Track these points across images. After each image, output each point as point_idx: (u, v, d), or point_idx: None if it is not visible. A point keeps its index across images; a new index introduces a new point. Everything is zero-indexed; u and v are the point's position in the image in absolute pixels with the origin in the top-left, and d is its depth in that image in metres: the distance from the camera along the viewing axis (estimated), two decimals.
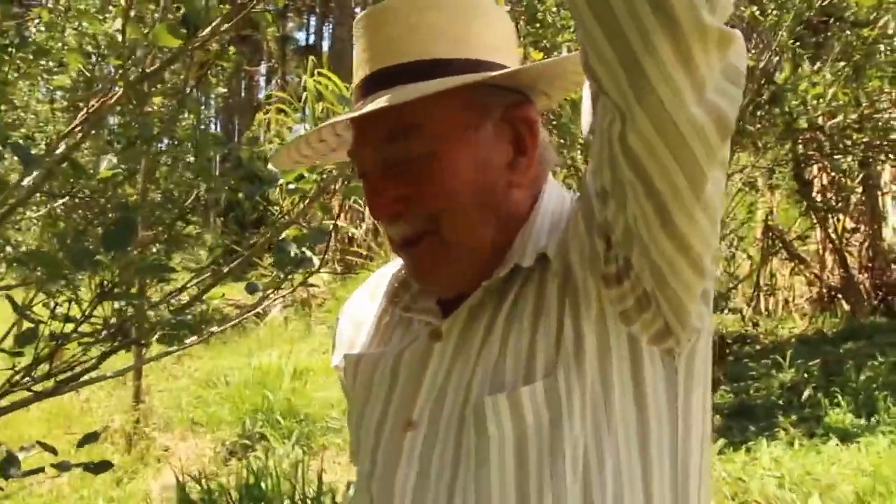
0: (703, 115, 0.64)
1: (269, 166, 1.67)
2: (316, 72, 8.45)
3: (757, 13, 4.79)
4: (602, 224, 0.80)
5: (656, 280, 0.77)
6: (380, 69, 0.88)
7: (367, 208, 0.95)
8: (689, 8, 0.58)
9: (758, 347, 6.39)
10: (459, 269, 0.89)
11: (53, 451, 1.73)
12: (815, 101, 5.04)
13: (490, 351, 0.86)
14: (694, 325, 0.82)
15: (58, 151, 1.78)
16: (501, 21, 0.93)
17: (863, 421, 4.45)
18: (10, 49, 2.01)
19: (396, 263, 1.06)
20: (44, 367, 1.29)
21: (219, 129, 29.94)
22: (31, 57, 2.40)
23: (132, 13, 1.44)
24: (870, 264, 6.67)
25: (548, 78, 0.93)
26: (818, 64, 5.36)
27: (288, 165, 1.05)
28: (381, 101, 0.83)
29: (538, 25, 4.43)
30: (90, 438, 1.79)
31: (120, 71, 1.40)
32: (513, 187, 0.90)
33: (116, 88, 1.64)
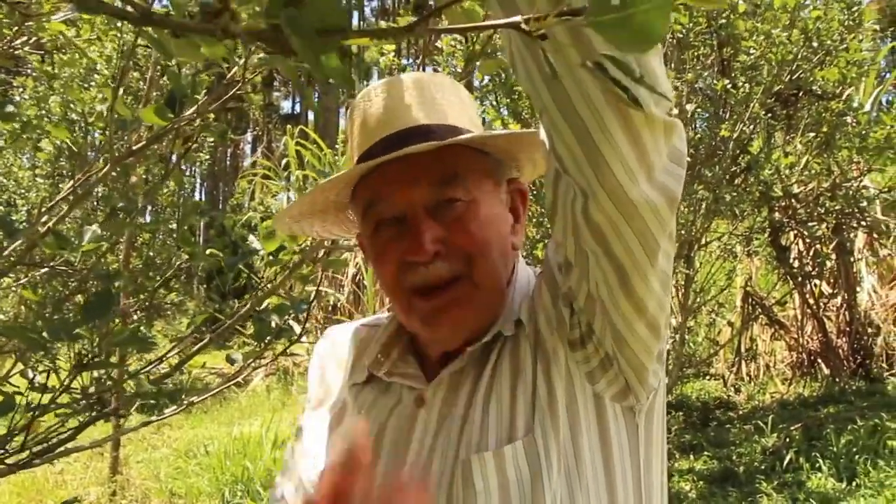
0: (654, 192, 0.71)
1: (250, 237, 1.70)
2: (297, 139, 8.55)
3: (728, 86, 4.94)
4: (566, 293, 0.87)
5: (616, 341, 0.84)
6: (410, 128, 0.95)
7: (387, 256, 0.96)
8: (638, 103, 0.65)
9: (740, 412, 6.39)
10: (480, 315, 0.95)
11: None
12: (788, 171, 5.18)
13: (475, 414, 0.92)
14: (651, 383, 0.89)
15: (42, 220, 1.81)
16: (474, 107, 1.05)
17: (844, 485, 4.44)
18: None
19: (346, 327, 1.15)
20: (19, 439, 1.30)
21: (203, 195, 30.06)
22: (17, 128, 2.44)
23: (121, 90, 1.49)
24: (847, 329, 6.73)
25: (527, 148, 1.02)
26: (791, 134, 5.52)
27: (285, 226, 1.08)
28: (431, 145, 0.89)
29: (516, 97, 4.55)
30: None
31: (106, 146, 1.44)
32: (514, 249, 1.00)
33: (101, 160, 1.69)
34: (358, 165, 0.94)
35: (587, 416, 0.89)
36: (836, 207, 5.55)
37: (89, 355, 1.16)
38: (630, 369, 0.86)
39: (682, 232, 4.84)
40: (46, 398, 1.37)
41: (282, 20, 0.42)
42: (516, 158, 1.03)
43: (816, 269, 6.32)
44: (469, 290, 0.93)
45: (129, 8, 0.47)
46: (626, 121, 0.66)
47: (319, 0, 0.42)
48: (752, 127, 5.10)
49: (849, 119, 5.09)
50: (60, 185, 6.11)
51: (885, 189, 5.58)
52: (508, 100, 4.51)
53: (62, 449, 1.62)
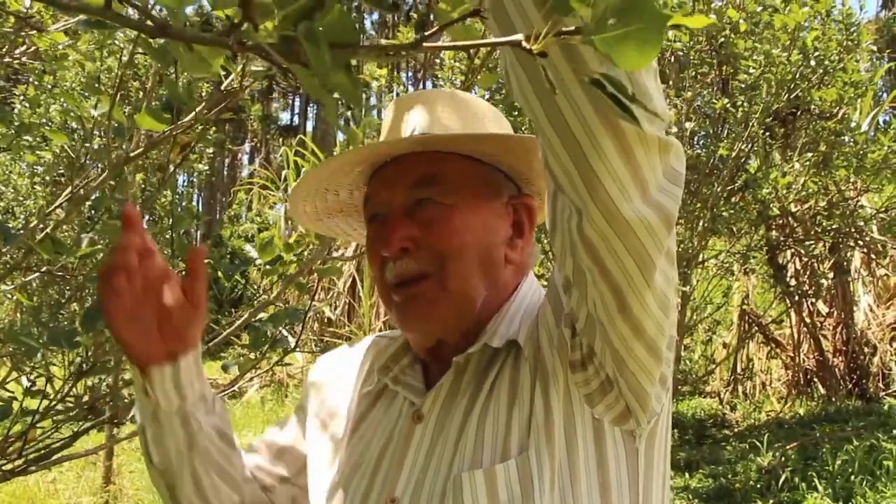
0: (650, 210, 0.71)
1: (246, 247, 1.70)
2: (294, 149, 8.53)
3: (728, 105, 4.97)
4: (569, 314, 0.87)
5: (616, 363, 0.83)
6: (424, 134, 1.00)
7: (372, 252, 1.00)
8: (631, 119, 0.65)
9: (736, 431, 6.38)
10: (448, 315, 0.96)
11: None
12: (785, 190, 5.19)
13: (469, 431, 0.92)
14: (653, 407, 0.88)
15: (40, 227, 1.81)
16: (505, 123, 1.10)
17: None
18: None
19: (368, 340, 1.15)
20: (16, 446, 1.29)
21: (201, 205, 30.08)
22: (14, 132, 2.44)
23: (118, 96, 1.50)
24: (844, 348, 6.74)
25: (524, 160, 1.02)
26: (788, 153, 5.54)
27: (299, 214, 1.11)
28: (417, 142, 0.95)
29: (517, 114, 4.57)
30: None
31: (103, 152, 1.44)
32: (507, 262, 0.99)
33: (98, 168, 1.69)
34: (360, 147, 0.99)
35: (585, 438, 0.89)
36: (833, 226, 5.57)
37: (86, 362, 1.16)
38: (630, 392, 0.86)
39: (680, 249, 4.85)
40: (43, 405, 1.36)
41: (300, 32, 0.43)
42: (520, 171, 1.03)
43: (813, 288, 6.32)
44: (434, 289, 0.94)
45: (148, 21, 0.48)
46: (618, 138, 0.66)
47: (333, 15, 0.44)
48: (750, 146, 5.12)
49: (846, 139, 5.11)
50: (59, 193, 6.09)
51: (882, 209, 5.61)
52: (510, 116, 4.53)
53: (58, 456, 1.62)
